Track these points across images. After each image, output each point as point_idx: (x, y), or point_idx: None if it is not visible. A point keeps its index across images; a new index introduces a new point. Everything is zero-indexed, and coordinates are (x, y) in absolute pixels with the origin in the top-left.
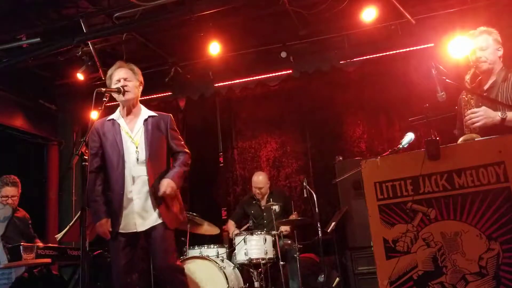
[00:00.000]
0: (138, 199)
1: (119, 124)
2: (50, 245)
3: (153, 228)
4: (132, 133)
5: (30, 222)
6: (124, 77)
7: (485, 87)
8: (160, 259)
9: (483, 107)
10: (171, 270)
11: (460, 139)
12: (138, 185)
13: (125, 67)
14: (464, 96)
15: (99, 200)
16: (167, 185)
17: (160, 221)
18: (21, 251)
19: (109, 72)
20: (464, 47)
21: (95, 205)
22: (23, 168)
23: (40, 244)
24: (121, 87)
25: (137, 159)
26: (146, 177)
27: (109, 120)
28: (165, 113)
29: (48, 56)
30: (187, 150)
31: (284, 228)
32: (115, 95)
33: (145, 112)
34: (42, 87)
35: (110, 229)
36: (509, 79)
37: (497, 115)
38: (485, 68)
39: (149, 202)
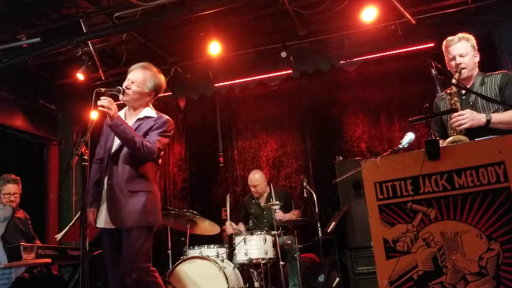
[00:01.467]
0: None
1: None
2: (50, 245)
3: (122, 230)
4: None
5: (30, 222)
6: (133, 79)
7: (463, 92)
8: (124, 263)
9: (468, 110)
10: (136, 274)
11: (447, 141)
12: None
13: (142, 70)
14: (448, 98)
15: (91, 189)
16: (109, 103)
17: (126, 222)
18: (21, 251)
19: (131, 68)
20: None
21: (86, 194)
22: (23, 168)
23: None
24: (121, 88)
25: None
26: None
27: None
28: (165, 116)
29: (48, 56)
30: (155, 149)
31: (281, 216)
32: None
33: (144, 112)
34: (42, 87)
35: (94, 218)
36: (486, 83)
37: (482, 117)
38: (465, 75)
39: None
